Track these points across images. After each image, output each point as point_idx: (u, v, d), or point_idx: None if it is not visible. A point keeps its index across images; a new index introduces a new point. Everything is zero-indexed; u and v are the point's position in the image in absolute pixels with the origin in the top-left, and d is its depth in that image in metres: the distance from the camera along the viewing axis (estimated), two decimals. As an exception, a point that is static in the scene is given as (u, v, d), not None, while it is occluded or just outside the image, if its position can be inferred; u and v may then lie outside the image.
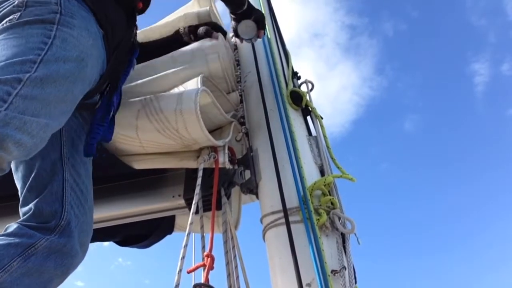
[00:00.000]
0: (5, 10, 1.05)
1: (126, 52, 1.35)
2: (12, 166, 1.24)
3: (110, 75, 1.26)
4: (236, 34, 1.72)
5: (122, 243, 2.07)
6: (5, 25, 1.02)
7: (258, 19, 1.69)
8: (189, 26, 1.81)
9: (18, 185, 1.22)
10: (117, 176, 1.80)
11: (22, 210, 1.15)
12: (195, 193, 1.31)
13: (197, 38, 1.80)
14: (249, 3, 1.70)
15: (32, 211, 1.11)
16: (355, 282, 1.13)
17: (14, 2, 1.06)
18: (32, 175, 1.18)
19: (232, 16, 1.70)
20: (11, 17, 1.03)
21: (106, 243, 2.22)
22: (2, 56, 0.95)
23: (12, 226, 1.07)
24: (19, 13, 1.03)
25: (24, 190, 1.18)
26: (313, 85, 1.81)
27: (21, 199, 1.18)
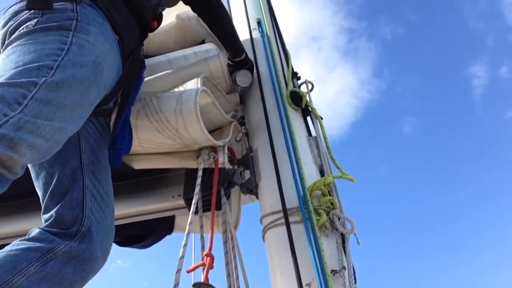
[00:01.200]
0: (23, 17, 1.07)
1: (137, 65, 1.37)
2: (33, 175, 1.25)
3: (124, 83, 1.27)
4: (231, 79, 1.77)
5: (122, 243, 2.07)
6: (22, 31, 1.04)
7: (251, 68, 1.77)
8: None
9: (40, 193, 1.22)
10: (117, 176, 1.80)
11: (44, 217, 1.16)
12: (195, 193, 1.31)
13: None
14: (246, 53, 1.76)
15: (53, 217, 1.12)
16: (355, 282, 1.13)
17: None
18: (53, 182, 1.18)
19: (229, 62, 1.75)
20: (28, 23, 1.05)
21: (105, 244, 2.22)
22: (19, 61, 0.96)
23: (34, 231, 1.08)
24: (35, 20, 1.05)
25: (46, 198, 1.19)
26: (313, 86, 1.81)
27: (43, 207, 1.19)
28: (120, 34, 1.22)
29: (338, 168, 1.44)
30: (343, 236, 1.23)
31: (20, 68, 0.94)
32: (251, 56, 1.87)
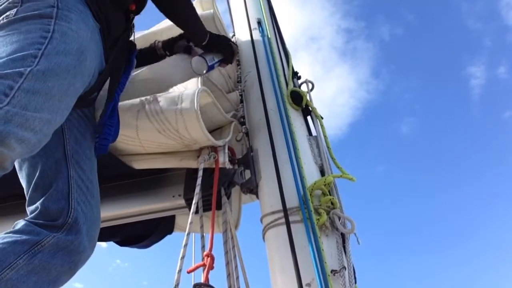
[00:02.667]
0: (1, 7, 1.05)
1: (124, 51, 1.35)
2: (16, 165, 1.23)
3: (110, 73, 1.26)
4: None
5: (122, 243, 2.06)
6: (1, 22, 1.02)
7: (222, 52, 1.68)
8: (163, 41, 1.79)
9: (23, 184, 1.21)
10: (117, 176, 1.80)
11: (29, 209, 1.15)
12: (195, 193, 1.31)
13: (173, 53, 1.79)
14: (211, 36, 1.67)
15: (39, 209, 1.11)
16: (355, 282, 1.13)
17: None
18: (37, 173, 1.17)
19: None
20: (7, 13, 1.03)
21: (104, 245, 2.22)
22: (1, 53, 0.94)
23: (20, 223, 1.07)
24: (15, 9, 1.03)
25: (30, 189, 1.17)
26: (313, 85, 1.81)
27: (27, 198, 1.18)
28: (101, 21, 1.20)
29: (338, 167, 1.44)
30: (343, 236, 1.23)
31: (3, 60, 0.92)
32: (251, 56, 1.87)
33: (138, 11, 1.44)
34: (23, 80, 0.89)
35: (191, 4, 1.59)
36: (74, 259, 1.07)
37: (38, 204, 1.12)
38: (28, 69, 0.91)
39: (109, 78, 1.28)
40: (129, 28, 1.41)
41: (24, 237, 1.01)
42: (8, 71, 0.89)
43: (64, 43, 1.01)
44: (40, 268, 0.99)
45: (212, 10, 1.98)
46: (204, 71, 1.63)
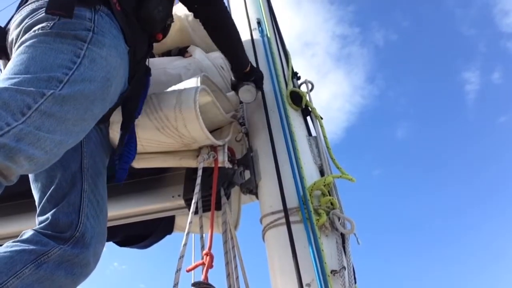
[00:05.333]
0: (39, 16, 1.05)
1: (143, 74, 1.36)
2: (31, 176, 1.25)
3: (131, 94, 1.27)
4: (234, 89, 1.68)
5: (121, 243, 2.06)
6: (37, 31, 1.02)
7: (257, 79, 1.66)
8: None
9: (36, 195, 1.22)
10: (117, 176, 1.80)
11: (39, 219, 1.16)
12: (195, 193, 1.31)
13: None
14: (251, 65, 1.66)
15: (49, 220, 1.12)
16: (355, 282, 1.13)
17: None
18: (53, 186, 1.18)
19: (233, 73, 1.67)
20: (44, 24, 1.03)
21: (102, 247, 2.22)
22: (29, 66, 0.95)
23: (28, 232, 1.08)
24: (52, 22, 1.03)
25: (43, 200, 1.18)
26: (313, 85, 1.81)
27: (38, 209, 1.19)
28: (131, 44, 1.21)
29: (338, 168, 1.43)
30: (343, 236, 1.23)
31: (29, 76, 0.92)
32: (251, 56, 1.86)
33: (160, 40, 1.44)
34: (43, 101, 0.89)
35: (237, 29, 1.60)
36: (76, 272, 1.08)
37: (49, 215, 1.13)
38: (51, 91, 0.91)
39: (129, 103, 1.29)
40: (149, 52, 1.42)
41: (31, 246, 1.02)
42: (32, 89, 0.90)
43: (91, 70, 1.01)
44: (45, 278, 1.01)
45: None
46: (253, 99, 1.62)
